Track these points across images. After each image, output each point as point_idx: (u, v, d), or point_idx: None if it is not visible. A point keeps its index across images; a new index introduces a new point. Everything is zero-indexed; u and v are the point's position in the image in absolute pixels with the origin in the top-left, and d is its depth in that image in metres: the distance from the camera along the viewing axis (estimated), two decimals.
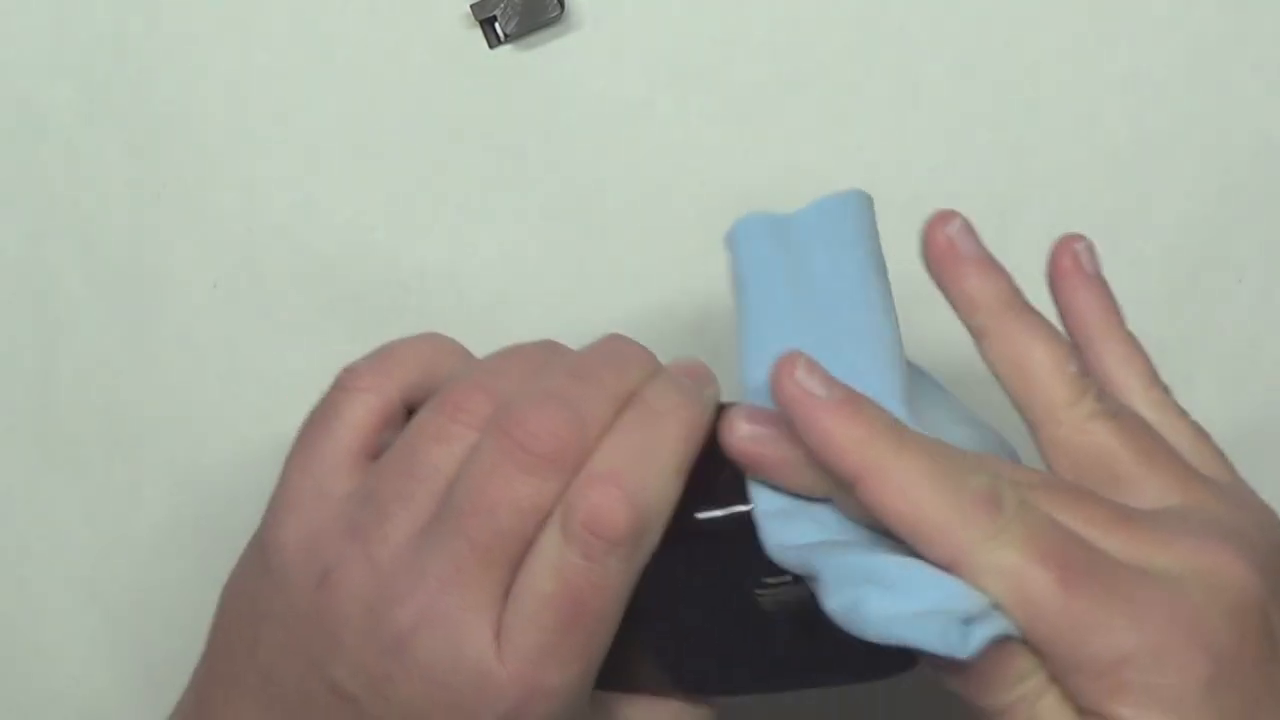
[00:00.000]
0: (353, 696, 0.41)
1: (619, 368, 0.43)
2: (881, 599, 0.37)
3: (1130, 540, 0.38)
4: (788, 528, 0.41)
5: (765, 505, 0.41)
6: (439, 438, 0.42)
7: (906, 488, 0.38)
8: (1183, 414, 0.44)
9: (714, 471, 0.42)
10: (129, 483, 0.57)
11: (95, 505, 0.57)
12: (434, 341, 0.46)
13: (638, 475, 0.41)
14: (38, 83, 0.57)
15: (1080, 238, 0.45)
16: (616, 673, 0.44)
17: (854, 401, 0.39)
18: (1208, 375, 0.57)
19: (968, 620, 0.36)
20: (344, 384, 0.44)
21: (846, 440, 0.38)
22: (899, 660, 0.40)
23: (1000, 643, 0.37)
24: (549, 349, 0.45)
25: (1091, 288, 0.45)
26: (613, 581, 0.40)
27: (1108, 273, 0.57)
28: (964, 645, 0.36)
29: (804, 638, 0.40)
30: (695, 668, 0.45)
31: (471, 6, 0.56)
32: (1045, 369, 0.42)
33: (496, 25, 0.56)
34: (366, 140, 0.57)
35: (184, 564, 0.57)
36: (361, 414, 0.43)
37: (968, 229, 0.44)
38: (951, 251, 0.43)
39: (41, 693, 0.57)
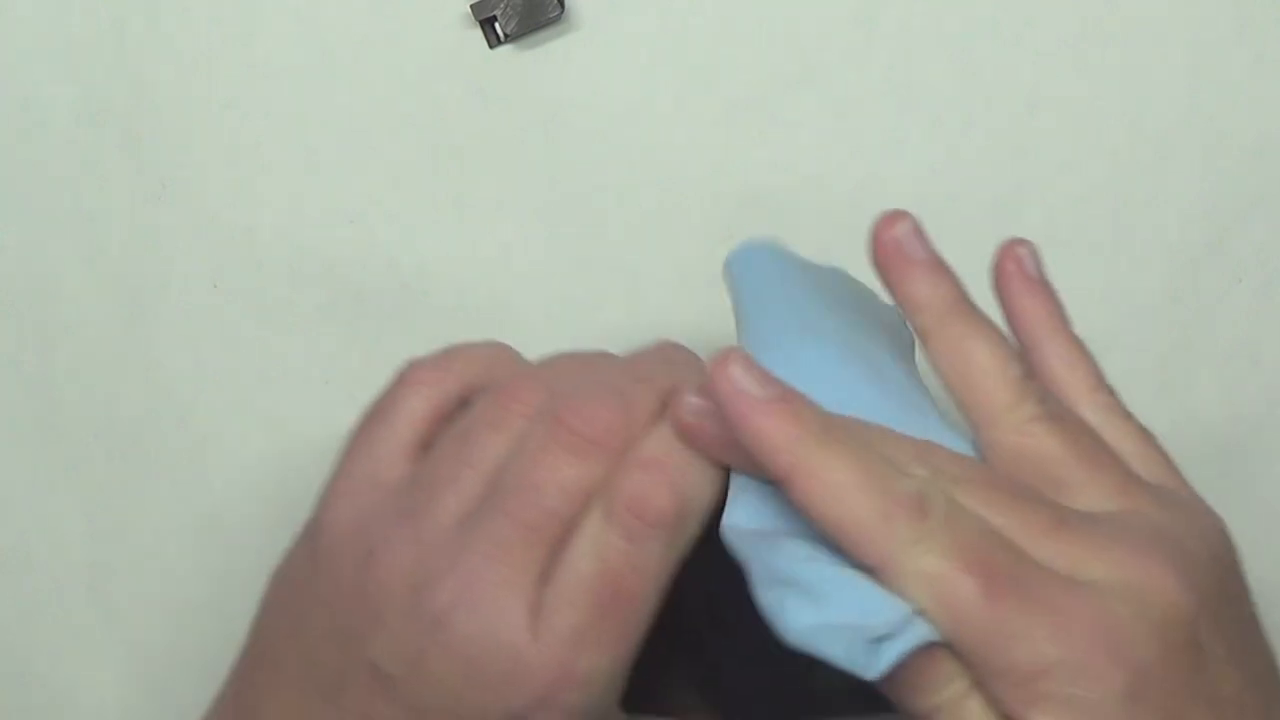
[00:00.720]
0: (390, 677, 0.41)
1: (669, 368, 0.44)
2: (800, 606, 0.37)
3: (1062, 546, 0.38)
4: (737, 508, 0.40)
5: (735, 485, 0.41)
6: (492, 425, 0.43)
7: (833, 490, 0.38)
8: (1129, 417, 0.44)
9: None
10: (129, 483, 0.57)
11: (95, 505, 0.57)
12: (496, 347, 0.46)
13: (681, 463, 0.41)
14: (38, 83, 0.57)
15: (1023, 242, 0.45)
16: (651, 696, 0.43)
17: (787, 400, 0.39)
18: (1208, 375, 0.57)
19: (879, 638, 0.36)
20: (406, 378, 0.45)
21: (777, 439, 0.38)
22: None
23: (924, 649, 0.36)
24: (603, 354, 0.46)
25: (1034, 291, 0.44)
26: (652, 566, 0.41)
27: (1107, 272, 0.57)
28: (871, 664, 0.36)
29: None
30: (731, 692, 0.45)
31: (471, 6, 0.56)
32: (987, 372, 0.41)
33: (496, 25, 0.56)
34: (366, 140, 0.57)
35: (184, 564, 0.57)
36: (420, 406, 0.44)
37: (916, 231, 0.43)
38: (898, 253, 0.43)
39: (41, 693, 0.57)
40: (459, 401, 0.45)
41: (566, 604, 0.40)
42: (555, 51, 0.57)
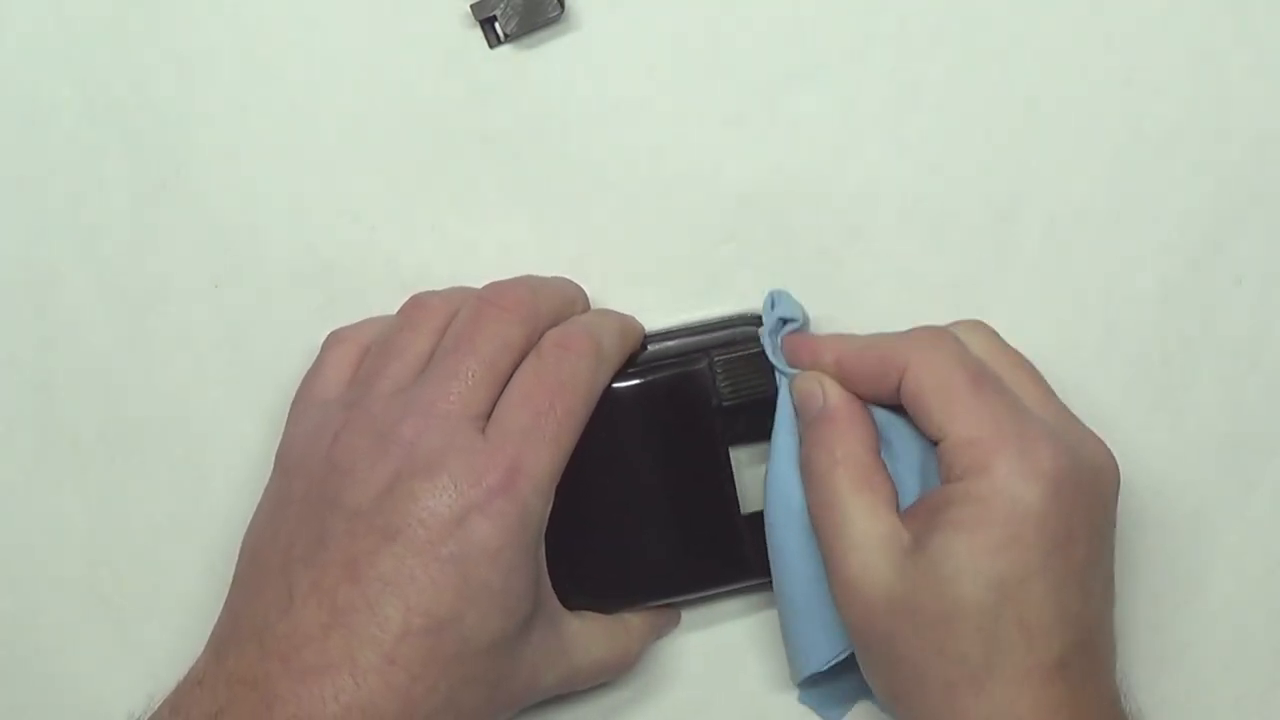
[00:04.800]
0: (364, 514, 0.48)
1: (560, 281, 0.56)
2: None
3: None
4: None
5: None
6: (410, 328, 0.52)
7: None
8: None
9: None
10: (129, 483, 0.57)
11: (95, 505, 0.57)
12: (394, 317, 0.54)
13: (593, 325, 0.53)
14: (38, 82, 0.57)
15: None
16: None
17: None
18: (1208, 375, 0.57)
19: None
20: (327, 341, 0.54)
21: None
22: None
23: None
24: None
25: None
26: (579, 382, 0.51)
27: (1107, 272, 0.57)
28: None
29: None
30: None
31: (471, 6, 0.56)
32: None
33: (496, 25, 0.56)
34: (366, 140, 0.57)
35: (184, 563, 0.57)
36: (344, 352, 0.54)
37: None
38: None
39: (42, 693, 0.57)
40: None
41: (512, 409, 0.49)
42: (555, 51, 0.57)
